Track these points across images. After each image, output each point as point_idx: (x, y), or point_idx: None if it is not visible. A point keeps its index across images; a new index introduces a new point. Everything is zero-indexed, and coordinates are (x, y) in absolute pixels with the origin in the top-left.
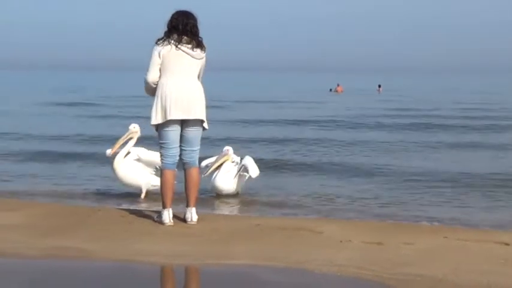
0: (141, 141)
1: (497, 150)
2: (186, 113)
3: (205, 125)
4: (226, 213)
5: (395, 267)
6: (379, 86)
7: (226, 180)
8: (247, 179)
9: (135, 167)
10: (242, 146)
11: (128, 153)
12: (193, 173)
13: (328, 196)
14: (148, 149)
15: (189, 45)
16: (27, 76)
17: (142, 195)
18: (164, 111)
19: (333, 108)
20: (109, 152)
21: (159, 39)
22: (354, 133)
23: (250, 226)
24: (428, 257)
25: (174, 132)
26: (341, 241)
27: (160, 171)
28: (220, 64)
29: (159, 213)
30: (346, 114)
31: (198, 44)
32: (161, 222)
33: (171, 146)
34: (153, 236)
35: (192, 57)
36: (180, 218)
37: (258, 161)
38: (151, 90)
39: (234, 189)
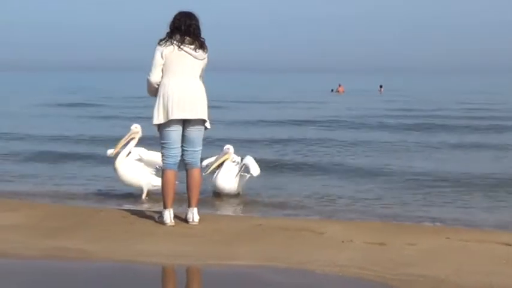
0: (142, 142)
1: (499, 150)
2: (188, 113)
3: (207, 124)
4: (228, 213)
5: (398, 268)
6: (381, 87)
7: (227, 179)
8: (248, 179)
9: (136, 167)
10: (243, 146)
11: (129, 153)
12: (195, 173)
13: (330, 196)
14: (149, 149)
15: (192, 46)
16: (27, 77)
17: (144, 196)
18: (166, 111)
19: (335, 109)
20: (110, 152)
21: (161, 40)
22: (356, 133)
23: (252, 227)
24: (431, 257)
25: (175, 132)
26: (343, 241)
27: (161, 171)
28: (220, 64)
29: (161, 214)
30: (348, 115)
31: (201, 45)
32: (162, 223)
33: (172, 146)
34: (155, 236)
35: (195, 57)
36: (181, 219)
37: (259, 162)
38: (154, 91)
39: (235, 189)
